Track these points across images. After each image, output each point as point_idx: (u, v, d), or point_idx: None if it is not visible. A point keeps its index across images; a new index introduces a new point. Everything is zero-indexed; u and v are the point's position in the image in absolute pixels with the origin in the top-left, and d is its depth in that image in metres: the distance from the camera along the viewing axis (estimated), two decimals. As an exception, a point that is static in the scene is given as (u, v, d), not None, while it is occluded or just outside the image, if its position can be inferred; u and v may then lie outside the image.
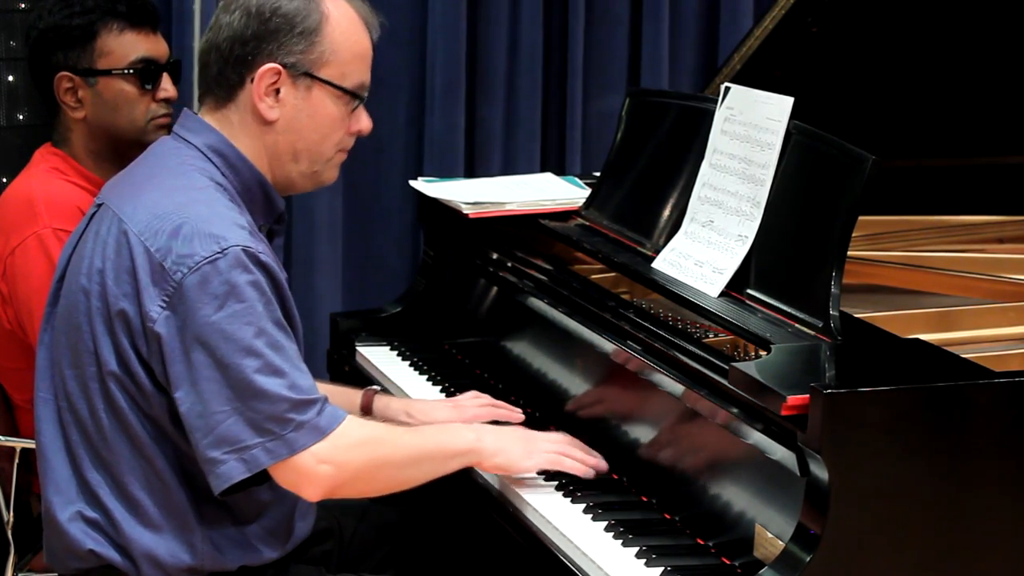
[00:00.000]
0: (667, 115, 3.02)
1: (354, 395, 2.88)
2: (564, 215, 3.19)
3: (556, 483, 2.59)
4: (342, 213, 4.36)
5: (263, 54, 2.47)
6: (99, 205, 2.53)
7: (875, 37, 3.30)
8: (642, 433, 2.65)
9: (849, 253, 2.50)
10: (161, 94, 3.08)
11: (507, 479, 2.62)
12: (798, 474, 2.22)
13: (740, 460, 2.39)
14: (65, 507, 2.47)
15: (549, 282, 3.06)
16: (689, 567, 2.32)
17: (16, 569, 2.98)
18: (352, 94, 2.53)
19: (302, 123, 2.52)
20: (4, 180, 3.77)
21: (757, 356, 2.44)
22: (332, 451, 2.37)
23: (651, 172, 3.01)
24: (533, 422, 2.86)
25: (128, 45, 3.05)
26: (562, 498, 2.55)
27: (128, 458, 2.42)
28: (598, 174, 3.21)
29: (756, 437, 2.35)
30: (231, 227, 2.38)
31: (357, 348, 3.34)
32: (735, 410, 2.40)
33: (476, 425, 2.64)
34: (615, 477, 2.65)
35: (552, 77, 4.47)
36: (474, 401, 2.85)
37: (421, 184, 3.42)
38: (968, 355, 2.43)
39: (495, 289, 3.28)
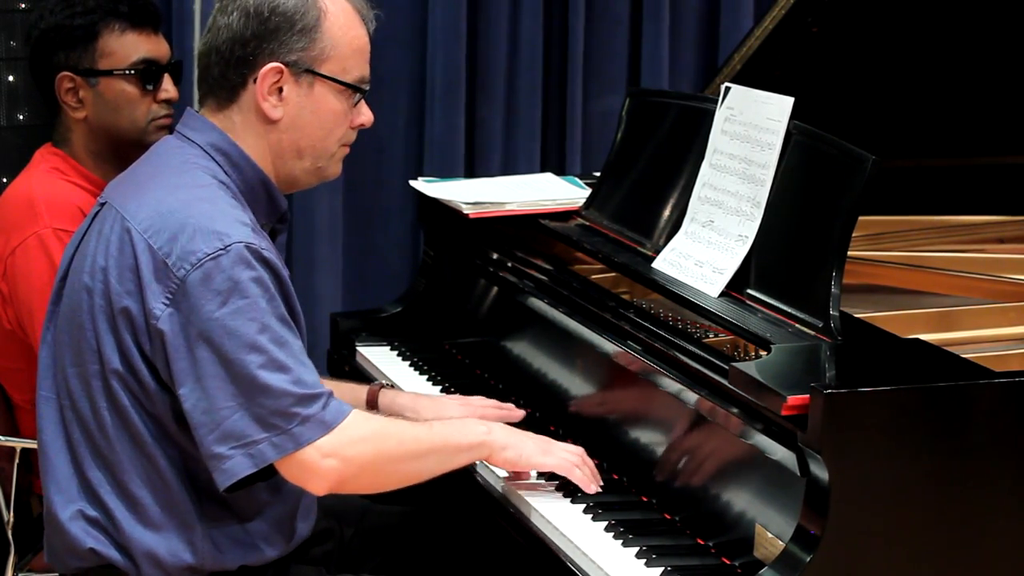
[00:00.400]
0: (667, 115, 3.02)
1: (360, 390, 2.88)
2: (564, 215, 3.19)
3: (556, 483, 2.59)
4: (342, 213, 4.36)
5: (264, 53, 2.48)
6: (102, 204, 2.53)
7: (875, 37, 3.30)
8: (642, 433, 2.65)
9: (849, 253, 2.50)
10: (162, 95, 3.08)
11: (508, 480, 2.62)
12: (798, 474, 2.22)
13: (740, 460, 2.39)
14: (66, 506, 2.47)
15: (549, 282, 3.06)
16: (689, 567, 2.32)
17: (16, 569, 2.98)
18: (354, 88, 2.54)
19: (306, 120, 2.52)
20: (4, 180, 3.77)
21: (757, 356, 2.44)
22: (338, 445, 2.37)
23: (651, 172, 3.01)
24: (533, 422, 2.86)
25: (129, 46, 3.05)
26: (562, 498, 2.55)
27: (129, 456, 2.43)
28: (598, 174, 3.21)
29: (756, 437, 2.35)
30: (234, 224, 2.39)
31: (357, 348, 3.35)
32: (735, 410, 2.40)
33: (489, 419, 2.64)
34: (615, 477, 2.65)
35: (552, 77, 4.47)
36: (482, 401, 2.85)
37: (421, 184, 3.42)
38: (968, 355, 2.43)
39: (495, 289, 3.29)
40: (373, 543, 2.81)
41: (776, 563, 2.18)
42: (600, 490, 2.57)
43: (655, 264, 2.83)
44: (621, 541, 2.39)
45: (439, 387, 3.10)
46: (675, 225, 2.85)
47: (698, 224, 2.79)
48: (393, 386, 3.02)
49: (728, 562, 2.35)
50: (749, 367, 2.32)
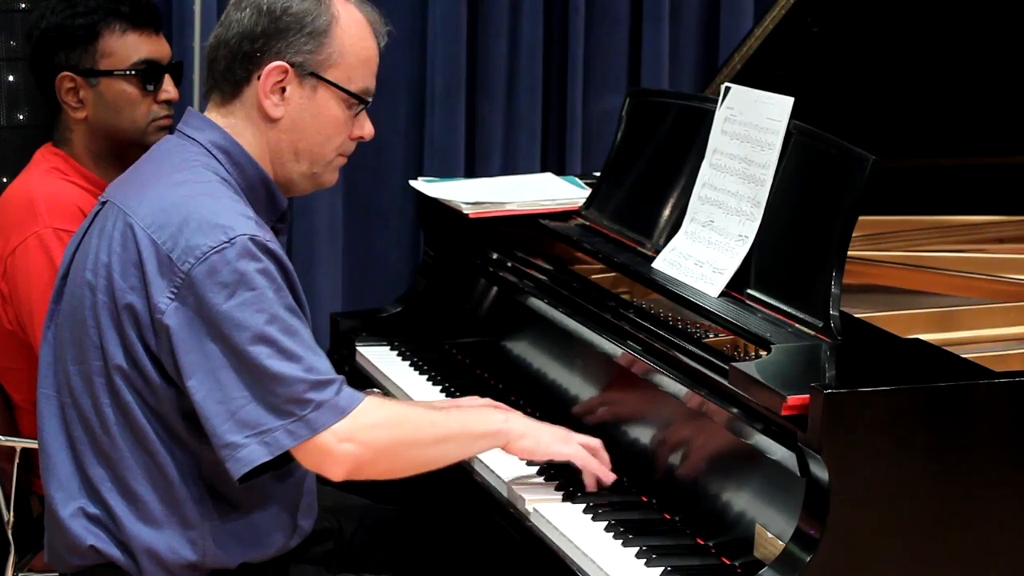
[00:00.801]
0: (667, 115, 3.02)
1: None
2: (564, 215, 3.19)
3: (556, 483, 2.59)
4: (342, 213, 4.36)
5: (271, 52, 2.49)
6: (103, 203, 2.54)
7: (875, 37, 3.30)
8: (642, 433, 2.65)
9: (849, 253, 2.50)
10: (163, 95, 3.08)
11: (510, 480, 2.62)
12: (798, 474, 2.22)
13: (740, 460, 2.39)
14: (67, 503, 2.47)
15: (549, 282, 3.06)
16: (689, 567, 2.32)
17: (16, 569, 2.98)
18: (357, 98, 2.55)
19: (306, 123, 2.53)
20: (4, 180, 3.78)
21: (757, 356, 2.44)
22: (354, 430, 2.37)
23: (651, 172, 3.01)
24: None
25: (130, 46, 3.05)
26: (562, 498, 2.55)
27: (132, 453, 2.43)
28: (598, 174, 3.21)
29: (756, 437, 2.35)
30: (237, 217, 2.39)
31: (357, 348, 3.35)
32: (735, 410, 2.40)
33: (506, 409, 2.64)
34: (615, 477, 2.65)
35: (552, 77, 4.47)
36: (472, 401, 2.85)
37: (421, 184, 3.42)
38: (968, 355, 2.43)
39: (495, 289, 3.29)
40: (373, 543, 2.82)
41: (776, 563, 2.18)
42: (607, 479, 2.57)
43: (655, 264, 2.83)
44: (621, 541, 2.39)
45: (439, 387, 3.10)
46: (675, 225, 2.85)
47: (698, 224, 2.79)
48: (384, 392, 3.02)
49: (728, 562, 2.35)
50: (749, 367, 2.32)
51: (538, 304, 3.06)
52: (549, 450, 2.56)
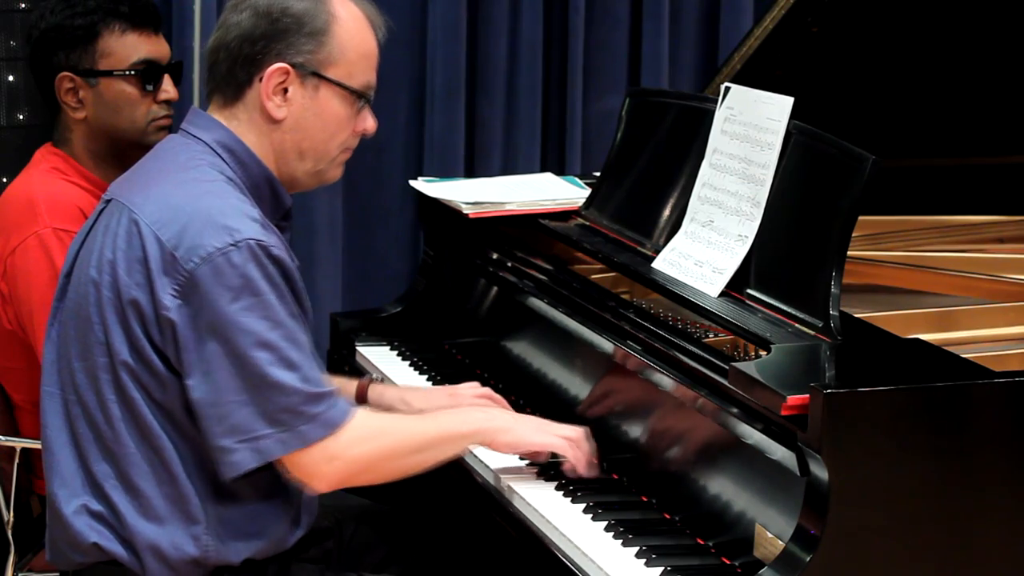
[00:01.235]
0: (667, 115, 3.02)
1: (349, 385, 2.89)
2: (564, 215, 3.19)
3: (556, 483, 2.59)
4: (342, 213, 4.36)
5: (272, 53, 2.49)
6: (107, 201, 2.54)
7: (875, 37, 3.30)
8: (642, 433, 2.65)
9: (849, 253, 2.50)
10: (162, 95, 3.08)
11: (510, 480, 2.62)
12: (798, 474, 2.22)
13: (740, 460, 2.39)
14: (70, 500, 2.48)
15: (549, 282, 3.06)
16: (689, 567, 2.32)
17: (16, 569, 2.98)
18: (359, 94, 2.55)
19: (309, 122, 2.53)
20: (4, 180, 3.78)
21: (757, 356, 2.44)
22: (342, 447, 2.39)
23: (651, 172, 3.01)
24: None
25: (130, 46, 3.05)
26: (562, 498, 2.55)
27: (136, 448, 2.43)
28: (598, 174, 3.21)
29: (756, 437, 2.35)
30: (243, 219, 2.40)
31: (357, 348, 3.35)
32: (735, 410, 2.40)
33: (488, 406, 2.65)
34: (615, 477, 2.65)
35: (552, 77, 4.47)
36: (472, 390, 2.86)
37: (421, 184, 3.42)
38: (968, 355, 2.43)
39: (495, 289, 3.29)
40: (373, 542, 2.82)
41: (776, 563, 2.18)
42: (595, 474, 2.59)
43: (655, 264, 2.83)
44: (621, 541, 2.39)
45: (439, 387, 3.10)
46: (675, 225, 2.85)
47: (698, 224, 2.79)
48: (384, 380, 3.02)
49: (728, 562, 2.35)
50: (749, 367, 2.32)
51: (538, 304, 3.06)
52: (527, 440, 2.59)
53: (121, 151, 3.04)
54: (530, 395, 2.99)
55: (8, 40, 3.88)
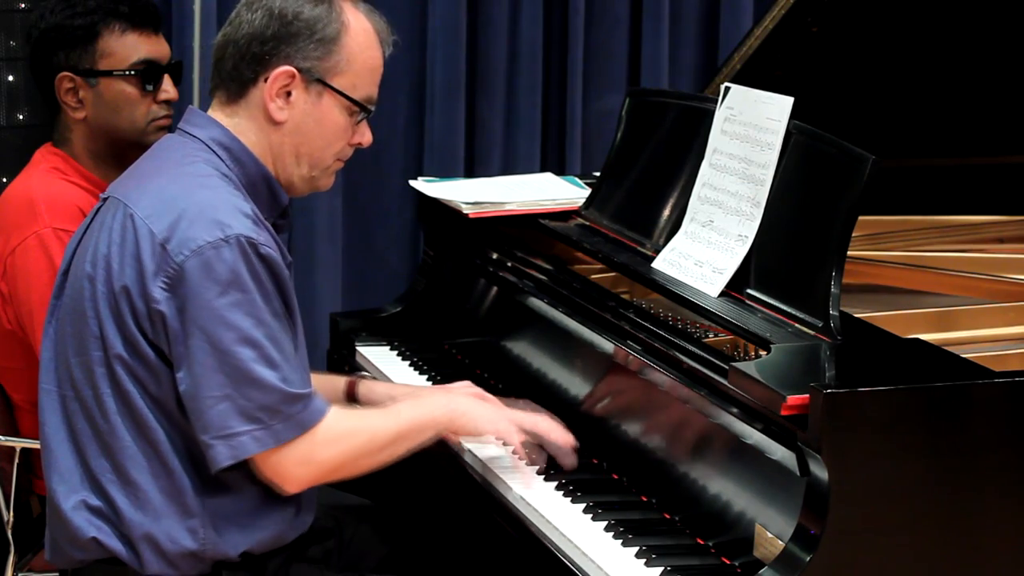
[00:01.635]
0: (667, 115, 3.02)
1: (338, 382, 2.89)
2: (564, 215, 3.19)
3: (556, 483, 2.59)
4: (342, 213, 4.36)
5: (280, 55, 2.50)
6: (105, 199, 2.55)
7: (875, 37, 3.30)
8: (642, 433, 2.65)
9: (849, 253, 2.50)
10: (162, 95, 3.08)
11: (510, 480, 2.62)
12: (798, 474, 2.22)
13: (740, 460, 2.39)
14: (69, 496, 2.48)
15: (549, 282, 3.06)
16: (689, 567, 2.32)
17: (16, 569, 2.98)
18: (360, 106, 2.57)
19: (308, 127, 2.54)
20: (4, 180, 3.78)
21: (757, 356, 2.44)
22: (312, 450, 2.42)
23: (651, 172, 3.01)
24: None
25: (130, 46, 3.05)
26: (562, 498, 2.55)
27: (132, 441, 2.44)
28: (598, 174, 3.21)
29: (756, 437, 2.35)
30: (235, 215, 2.40)
31: (357, 348, 3.35)
32: (735, 410, 2.40)
33: (452, 393, 2.69)
34: (615, 477, 2.65)
35: (552, 77, 4.47)
36: (466, 390, 2.85)
37: (421, 184, 3.42)
38: (968, 355, 2.43)
39: (495, 289, 3.29)
40: (373, 542, 2.82)
41: (776, 563, 2.18)
42: (572, 463, 2.63)
43: (655, 264, 2.83)
44: (621, 541, 2.39)
45: (439, 387, 3.10)
46: (675, 225, 2.85)
47: (698, 224, 2.79)
48: (375, 377, 3.02)
49: (728, 562, 2.35)
50: (749, 367, 2.32)
51: (538, 304, 3.06)
52: (476, 426, 2.62)
53: (121, 151, 3.04)
54: (530, 395, 2.98)
55: (8, 40, 3.88)
